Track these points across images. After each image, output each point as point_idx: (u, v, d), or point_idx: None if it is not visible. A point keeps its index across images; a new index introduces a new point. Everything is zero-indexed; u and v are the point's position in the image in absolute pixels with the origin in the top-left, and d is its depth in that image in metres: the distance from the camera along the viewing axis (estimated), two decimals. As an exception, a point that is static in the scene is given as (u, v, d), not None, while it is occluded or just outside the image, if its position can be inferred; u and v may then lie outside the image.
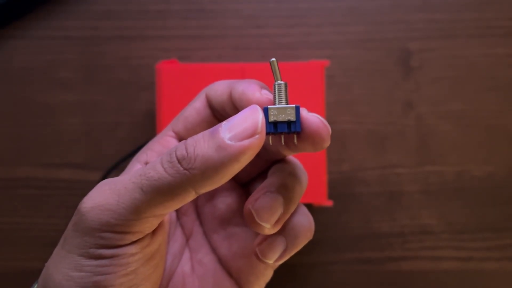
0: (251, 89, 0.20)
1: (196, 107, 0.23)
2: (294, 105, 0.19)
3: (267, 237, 0.22)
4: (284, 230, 0.22)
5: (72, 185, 0.41)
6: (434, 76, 0.42)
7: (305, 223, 0.22)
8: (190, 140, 0.18)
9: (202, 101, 0.23)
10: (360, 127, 0.42)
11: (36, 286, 0.21)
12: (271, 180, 0.21)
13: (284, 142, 0.20)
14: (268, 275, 0.24)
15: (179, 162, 0.18)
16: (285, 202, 0.21)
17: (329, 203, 0.36)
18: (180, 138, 0.23)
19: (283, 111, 0.19)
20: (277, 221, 0.20)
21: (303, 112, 0.19)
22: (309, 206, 0.42)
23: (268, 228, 0.20)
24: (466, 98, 0.42)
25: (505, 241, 0.42)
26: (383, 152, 0.42)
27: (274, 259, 0.22)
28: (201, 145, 0.18)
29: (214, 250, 0.24)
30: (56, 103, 0.42)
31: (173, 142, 0.23)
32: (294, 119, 0.19)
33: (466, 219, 0.42)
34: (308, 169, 0.36)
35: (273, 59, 0.20)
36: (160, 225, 0.21)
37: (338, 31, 0.42)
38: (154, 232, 0.20)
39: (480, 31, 0.42)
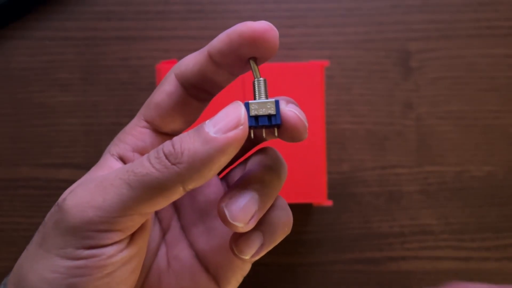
0: (238, 26, 0.20)
1: (166, 90, 0.22)
2: (273, 99, 0.20)
3: (244, 232, 0.21)
4: (261, 225, 0.21)
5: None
6: (433, 77, 0.42)
7: (283, 217, 0.22)
8: (176, 138, 0.19)
9: (172, 83, 0.22)
10: (359, 128, 0.42)
11: (5, 284, 0.21)
12: (247, 175, 0.21)
13: (265, 135, 0.21)
14: (245, 269, 0.24)
15: (166, 157, 0.18)
16: (261, 199, 0.20)
17: (329, 203, 0.36)
18: (154, 127, 0.22)
19: (263, 105, 0.19)
20: (251, 219, 0.20)
21: (282, 105, 0.20)
22: (309, 206, 0.42)
23: (242, 226, 0.20)
24: (466, 99, 0.42)
25: (504, 241, 0.42)
26: (382, 152, 0.42)
27: (250, 254, 0.21)
28: (187, 140, 0.18)
29: (191, 244, 0.24)
30: (56, 103, 0.42)
31: (146, 132, 0.22)
32: (274, 113, 0.19)
33: (465, 219, 0.42)
34: (308, 169, 0.36)
35: (251, 59, 0.20)
36: (141, 229, 0.20)
37: (338, 32, 0.42)
38: (133, 235, 0.20)
39: (480, 31, 0.43)
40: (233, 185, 0.21)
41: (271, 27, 0.19)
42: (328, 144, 0.41)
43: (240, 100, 0.19)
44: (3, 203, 0.42)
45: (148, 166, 0.18)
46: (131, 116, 0.43)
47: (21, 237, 0.41)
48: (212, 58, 0.20)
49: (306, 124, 0.20)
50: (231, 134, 0.18)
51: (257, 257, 0.22)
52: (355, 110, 0.42)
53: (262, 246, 0.21)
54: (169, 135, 0.22)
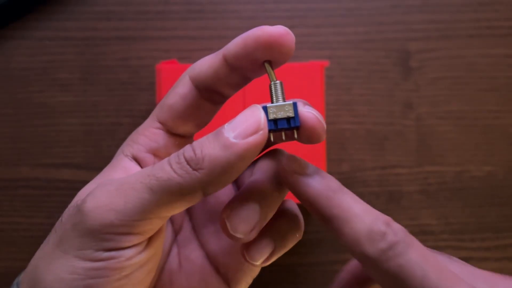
0: (254, 31, 0.20)
1: (180, 92, 0.22)
2: (291, 101, 0.20)
3: (254, 239, 0.21)
4: (272, 232, 0.21)
5: (72, 185, 0.41)
6: (433, 77, 0.42)
7: (294, 224, 0.22)
8: (196, 143, 0.19)
9: (186, 85, 0.22)
10: (359, 128, 0.42)
11: (17, 283, 0.21)
12: (251, 185, 0.21)
13: (285, 137, 0.21)
14: (255, 271, 0.24)
15: (188, 163, 0.18)
16: (262, 210, 0.20)
17: (328, 203, 0.36)
18: (167, 128, 0.22)
19: (281, 108, 0.19)
20: (252, 230, 0.20)
21: (300, 107, 0.20)
22: (308, 206, 0.42)
23: (243, 238, 0.20)
24: (466, 99, 0.42)
25: (504, 241, 0.42)
26: (382, 152, 0.42)
27: (260, 261, 0.21)
28: (207, 145, 0.18)
29: (202, 245, 0.24)
30: (56, 103, 0.42)
31: (160, 134, 0.22)
32: (293, 115, 0.19)
33: (465, 219, 0.42)
34: (307, 170, 0.36)
35: (266, 61, 0.20)
36: (158, 231, 0.20)
37: (338, 32, 0.42)
38: (151, 238, 0.20)
39: (480, 31, 0.43)
40: (236, 194, 0.21)
41: (287, 31, 0.19)
42: (328, 144, 0.41)
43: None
44: (3, 203, 0.42)
45: (169, 171, 0.18)
46: (131, 116, 0.44)
47: (21, 237, 0.41)
48: (227, 61, 0.20)
49: (325, 125, 0.20)
50: (251, 139, 0.18)
51: (268, 263, 0.22)
52: (355, 110, 0.42)
53: (273, 252, 0.21)
54: (182, 137, 0.22)
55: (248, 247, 0.21)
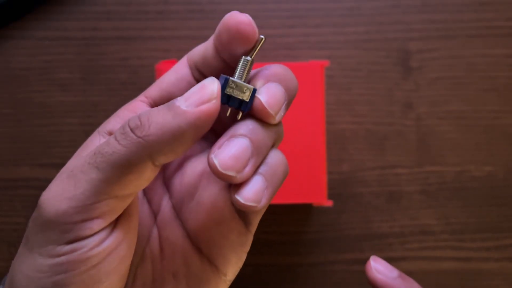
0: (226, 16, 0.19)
1: (175, 68, 0.22)
2: (252, 87, 0.19)
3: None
4: (258, 168, 0.20)
5: (72, 185, 0.41)
6: (433, 77, 0.42)
7: (278, 157, 0.20)
8: (143, 112, 0.18)
9: (181, 63, 0.22)
10: (359, 127, 0.42)
11: (3, 284, 0.21)
12: (239, 122, 0.20)
13: (229, 113, 0.20)
14: (244, 242, 0.21)
15: (132, 131, 0.17)
16: (254, 145, 0.19)
17: (329, 203, 0.36)
18: (153, 103, 0.22)
19: (241, 88, 0.19)
20: (245, 167, 0.19)
21: (258, 94, 0.19)
22: (309, 206, 0.42)
23: (235, 176, 0.18)
24: (466, 99, 0.42)
25: (504, 242, 0.42)
26: (382, 152, 0.42)
27: (257, 201, 0.19)
28: (156, 114, 0.18)
29: (183, 224, 0.22)
30: (56, 103, 0.42)
31: (142, 106, 0.22)
32: (247, 100, 0.19)
33: (465, 220, 0.42)
34: (308, 169, 0.36)
35: (262, 36, 0.20)
36: (124, 214, 0.19)
37: (338, 32, 0.42)
38: (116, 222, 0.19)
39: (480, 31, 0.43)
40: (224, 134, 0.20)
41: (249, 20, 0.19)
42: (328, 144, 0.41)
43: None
44: (3, 203, 0.42)
45: (114, 143, 0.18)
46: (131, 116, 0.43)
47: (21, 237, 0.41)
48: (214, 44, 0.20)
49: (277, 111, 0.19)
50: (204, 107, 0.18)
51: (264, 204, 0.20)
52: (355, 110, 0.42)
53: (266, 189, 0.19)
54: None
55: (237, 189, 0.19)
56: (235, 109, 0.20)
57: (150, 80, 0.42)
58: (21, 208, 0.42)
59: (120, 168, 0.17)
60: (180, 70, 0.22)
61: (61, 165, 0.42)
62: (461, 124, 0.42)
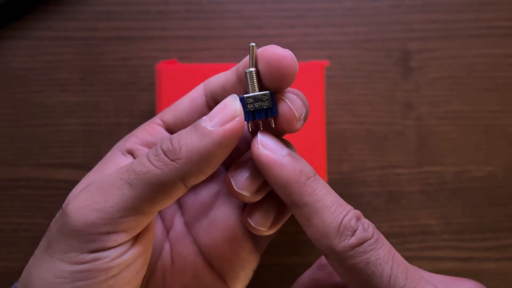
0: (271, 47, 0.20)
1: (190, 95, 0.22)
2: (268, 91, 0.20)
3: (256, 205, 0.21)
4: (274, 195, 0.21)
5: (72, 185, 0.41)
6: (433, 77, 0.42)
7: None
8: (173, 135, 0.19)
9: (197, 90, 0.22)
10: (360, 128, 0.42)
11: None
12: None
13: (263, 127, 0.21)
14: (252, 261, 0.23)
15: (165, 154, 0.18)
16: None
17: (328, 203, 0.36)
18: (167, 127, 0.22)
19: (258, 99, 0.19)
20: (258, 189, 0.20)
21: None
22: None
23: (248, 196, 0.20)
24: (466, 99, 0.42)
25: (505, 242, 0.42)
26: (383, 152, 0.42)
27: (267, 225, 0.21)
28: (185, 136, 0.19)
29: (195, 240, 0.23)
30: (56, 103, 0.42)
31: (158, 129, 0.22)
32: (271, 105, 0.20)
33: (466, 219, 0.42)
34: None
35: (253, 43, 0.20)
36: (145, 229, 0.20)
37: (338, 32, 0.42)
38: (138, 236, 0.20)
39: (480, 31, 0.43)
40: (242, 157, 0.21)
41: (291, 55, 0.19)
42: (328, 144, 0.41)
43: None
44: (3, 203, 0.42)
45: (147, 164, 0.18)
46: (131, 116, 0.44)
47: (21, 237, 0.41)
48: (237, 74, 0.21)
49: (302, 114, 0.20)
50: (228, 126, 0.18)
51: (273, 230, 0.21)
52: (355, 110, 0.42)
53: (277, 216, 0.21)
54: None
55: (250, 213, 0.21)
56: (265, 119, 0.20)
57: (150, 80, 0.42)
58: (21, 208, 0.42)
59: (153, 188, 0.18)
60: (195, 99, 0.22)
61: (61, 165, 0.42)
62: (461, 124, 0.42)
